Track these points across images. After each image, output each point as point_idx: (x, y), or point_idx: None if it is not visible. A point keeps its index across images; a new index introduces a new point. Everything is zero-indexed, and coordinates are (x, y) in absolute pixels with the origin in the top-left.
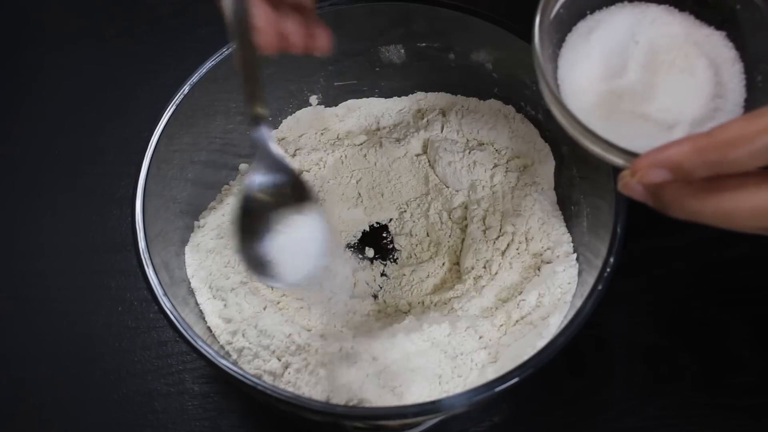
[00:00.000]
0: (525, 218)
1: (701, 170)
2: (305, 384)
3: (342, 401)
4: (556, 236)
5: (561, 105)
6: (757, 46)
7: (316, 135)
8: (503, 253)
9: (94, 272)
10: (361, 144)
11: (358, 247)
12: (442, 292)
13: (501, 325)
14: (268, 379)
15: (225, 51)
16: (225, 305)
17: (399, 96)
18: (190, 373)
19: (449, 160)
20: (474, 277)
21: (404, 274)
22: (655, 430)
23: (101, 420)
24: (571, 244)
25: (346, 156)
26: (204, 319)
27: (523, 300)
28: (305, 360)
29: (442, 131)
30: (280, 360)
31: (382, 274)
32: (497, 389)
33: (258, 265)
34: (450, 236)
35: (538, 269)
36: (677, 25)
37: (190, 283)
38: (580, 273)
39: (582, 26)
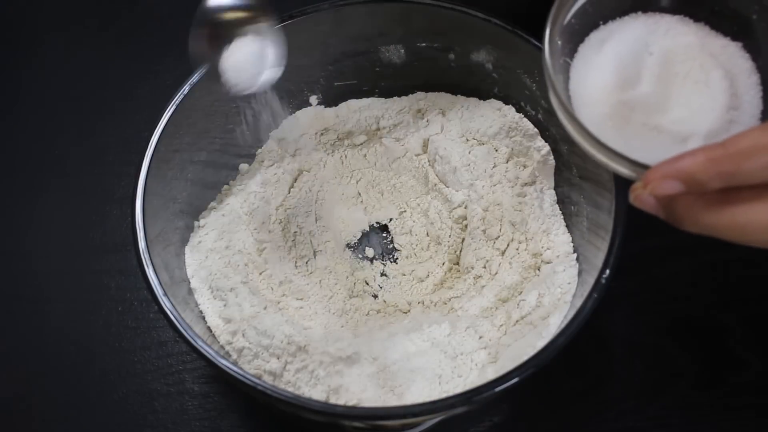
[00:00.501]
0: (525, 218)
1: (715, 181)
2: (305, 384)
3: (342, 401)
4: (556, 236)
5: (571, 116)
6: None
7: (316, 135)
8: (503, 252)
9: (94, 272)
10: (361, 144)
11: (358, 247)
12: (442, 291)
13: (501, 325)
14: (268, 379)
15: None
16: (225, 305)
17: (399, 96)
18: (190, 373)
19: (449, 160)
20: (474, 277)
21: (404, 274)
22: (655, 430)
23: (101, 420)
24: (571, 244)
25: (346, 156)
26: (204, 319)
27: (523, 300)
28: (305, 360)
29: (442, 131)
30: (280, 360)
31: (382, 274)
32: (497, 389)
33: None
34: (450, 236)
35: (538, 269)
36: (692, 36)
37: (190, 283)
38: (580, 273)
39: (594, 36)
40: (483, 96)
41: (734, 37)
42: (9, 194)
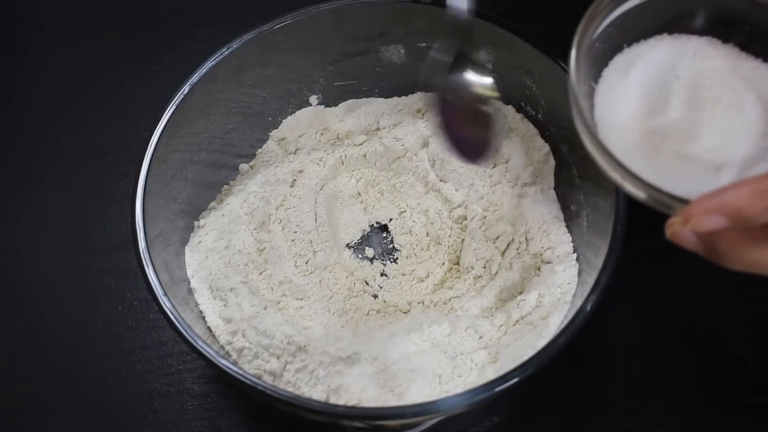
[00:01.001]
0: (525, 218)
1: (763, 216)
2: (305, 384)
3: (342, 401)
4: (556, 236)
5: (601, 147)
6: None
7: (316, 135)
8: (503, 252)
9: (94, 272)
10: (361, 144)
11: (358, 247)
12: (442, 291)
13: (501, 325)
14: (268, 379)
15: (225, 51)
16: (225, 305)
17: (399, 96)
18: (190, 373)
19: (449, 160)
20: (474, 277)
21: (404, 274)
22: (655, 430)
23: (101, 420)
24: (571, 244)
25: (346, 156)
26: (204, 319)
27: (523, 300)
28: (305, 360)
29: None
30: (280, 360)
31: (382, 274)
32: (497, 389)
33: None
34: (450, 236)
35: (538, 269)
36: (721, 59)
37: (190, 283)
38: (580, 273)
39: (619, 60)
40: None
41: (766, 59)
42: (9, 194)
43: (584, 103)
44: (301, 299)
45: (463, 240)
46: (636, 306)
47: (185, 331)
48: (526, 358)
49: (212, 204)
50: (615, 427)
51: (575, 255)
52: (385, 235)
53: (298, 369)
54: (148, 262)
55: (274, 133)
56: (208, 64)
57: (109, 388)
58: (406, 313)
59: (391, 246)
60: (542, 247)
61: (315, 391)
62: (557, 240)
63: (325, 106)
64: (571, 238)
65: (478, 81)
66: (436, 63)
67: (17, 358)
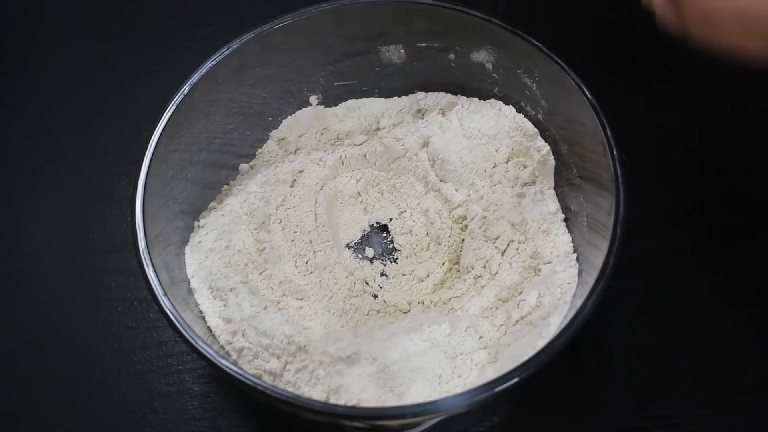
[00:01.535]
0: (525, 218)
1: None
2: (305, 384)
3: (342, 401)
4: (556, 236)
5: None
6: None
7: (316, 135)
8: (503, 252)
9: (94, 272)
10: (361, 144)
11: (358, 247)
12: (442, 291)
13: (501, 325)
14: (268, 379)
15: (225, 51)
16: (225, 305)
17: (399, 96)
18: (190, 373)
19: (449, 160)
20: (474, 277)
21: (404, 274)
22: (655, 430)
23: (101, 420)
24: (571, 244)
25: (346, 156)
26: (204, 319)
27: (523, 300)
28: (305, 360)
29: (441, 131)
30: (280, 360)
31: (382, 274)
32: (497, 389)
33: None
34: (450, 236)
35: (538, 269)
36: None
37: (190, 283)
38: (580, 273)
39: None
40: (483, 96)
41: None
42: (8, 194)
43: None
44: (301, 299)
45: (463, 240)
46: (636, 306)
47: (185, 331)
48: (526, 358)
49: (212, 204)
50: (615, 427)
51: (575, 255)
52: (385, 235)
53: (298, 369)
54: (148, 262)
55: (274, 133)
56: (208, 64)
57: (109, 388)
58: (406, 313)
59: (391, 246)
60: (542, 247)
61: (315, 391)
62: (557, 240)
63: (325, 106)
64: (571, 238)
65: None
66: None
67: (17, 358)
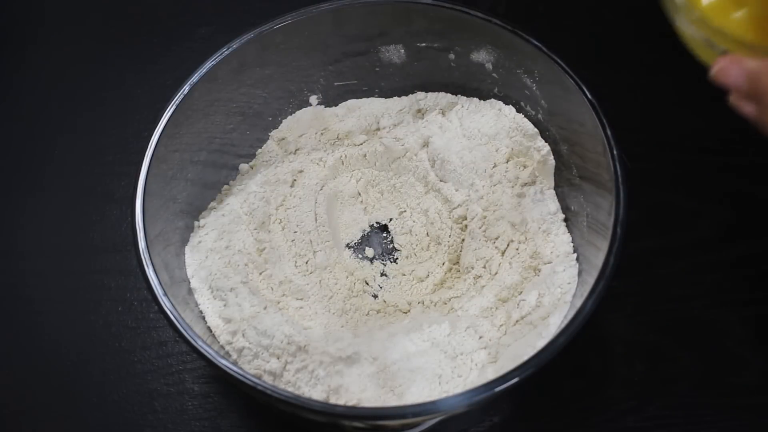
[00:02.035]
0: (525, 218)
1: None
2: (305, 384)
3: (342, 401)
4: (556, 236)
5: None
6: None
7: (316, 135)
8: (503, 252)
9: (94, 272)
10: (361, 144)
11: (358, 247)
12: (442, 291)
13: (501, 325)
14: (268, 379)
15: (225, 51)
16: (225, 305)
17: (399, 96)
18: (190, 373)
19: (449, 160)
20: (474, 277)
21: (404, 274)
22: (655, 430)
23: (101, 420)
24: (571, 244)
25: (346, 156)
26: (204, 319)
27: (523, 300)
28: (305, 360)
29: (442, 131)
30: (280, 360)
31: (382, 274)
32: (497, 389)
33: None
34: (450, 236)
35: (538, 269)
36: None
37: (190, 283)
38: (580, 273)
39: None
40: (483, 96)
41: None
42: (8, 194)
43: None
44: (301, 299)
45: (463, 240)
46: (636, 306)
47: (185, 331)
48: (526, 358)
49: (212, 204)
50: (615, 427)
51: (575, 255)
52: (385, 235)
53: (298, 369)
54: (148, 262)
55: (274, 133)
56: (208, 64)
57: (109, 388)
58: (406, 313)
59: (391, 246)
60: (542, 247)
61: (315, 391)
62: (557, 240)
63: (325, 106)
64: (571, 238)
65: None
66: None
67: (17, 358)
